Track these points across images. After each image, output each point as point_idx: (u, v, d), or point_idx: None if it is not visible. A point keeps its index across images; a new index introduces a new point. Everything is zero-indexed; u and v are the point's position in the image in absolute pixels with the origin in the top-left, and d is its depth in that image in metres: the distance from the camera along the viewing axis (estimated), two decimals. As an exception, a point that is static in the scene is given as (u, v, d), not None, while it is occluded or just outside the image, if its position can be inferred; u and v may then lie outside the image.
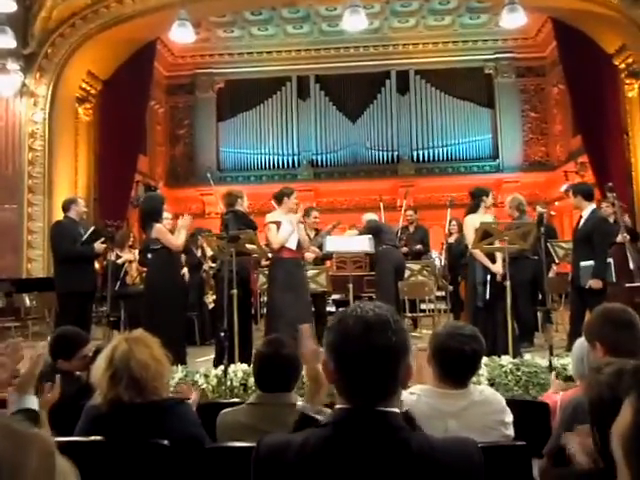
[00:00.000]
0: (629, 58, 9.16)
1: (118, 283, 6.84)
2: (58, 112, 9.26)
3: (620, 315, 2.17)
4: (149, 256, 5.36)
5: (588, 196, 5.53)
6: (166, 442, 1.88)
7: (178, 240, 5.22)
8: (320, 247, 7.01)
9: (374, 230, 6.79)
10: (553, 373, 3.41)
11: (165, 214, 7.12)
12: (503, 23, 8.00)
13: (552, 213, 7.96)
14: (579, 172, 10.88)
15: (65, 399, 2.24)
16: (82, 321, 5.57)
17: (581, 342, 2.45)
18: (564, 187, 9.94)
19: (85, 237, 5.70)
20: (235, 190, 5.74)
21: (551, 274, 7.03)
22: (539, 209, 7.13)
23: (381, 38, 13.01)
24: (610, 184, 7.26)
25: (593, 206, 5.53)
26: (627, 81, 9.30)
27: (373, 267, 7.38)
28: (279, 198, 5.60)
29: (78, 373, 2.89)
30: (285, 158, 13.34)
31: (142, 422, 1.94)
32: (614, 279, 5.48)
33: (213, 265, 7.09)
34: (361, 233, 6.84)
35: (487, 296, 5.29)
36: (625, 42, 9.12)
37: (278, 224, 5.44)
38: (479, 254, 5.31)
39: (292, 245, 5.46)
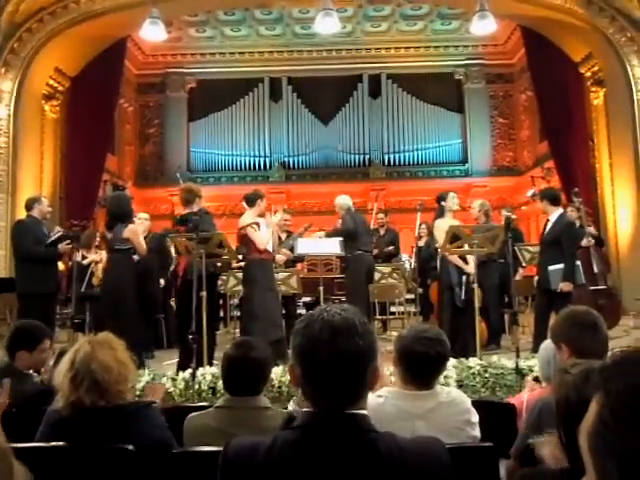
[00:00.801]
0: (595, 66, 9.38)
1: (83, 284, 6.71)
2: (24, 109, 9.04)
3: (585, 317, 2.21)
4: (114, 255, 5.31)
5: (554, 201, 5.64)
6: (131, 447, 1.84)
7: (144, 245, 5.25)
8: (291, 249, 7.00)
9: (348, 234, 6.55)
10: (530, 376, 3.42)
11: (142, 214, 7.04)
12: (473, 30, 8.10)
13: (513, 217, 8.08)
14: (545, 177, 11.11)
15: (24, 402, 2.18)
16: (45, 323, 5.43)
17: (547, 344, 2.49)
18: (530, 192, 10.12)
19: (51, 241, 5.58)
20: (196, 187, 5.65)
21: (517, 277, 7.14)
22: (504, 213, 7.24)
23: (354, 42, 13.07)
24: (576, 189, 7.44)
25: (560, 210, 5.64)
26: (593, 89, 9.52)
27: (344, 270, 7.33)
28: (252, 200, 5.57)
29: (35, 376, 2.81)
30: (257, 159, 13.28)
31: (106, 426, 1.89)
32: (584, 280, 5.61)
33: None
34: (334, 233, 6.67)
35: (463, 296, 5.41)
36: (591, 51, 9.33)
37: (258, 225, 5.42)
38: (453, 256, 5.41)
39: (270, 247, 5.46)
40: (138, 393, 3.12)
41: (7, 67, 8.87)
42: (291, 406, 1.58)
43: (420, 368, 2.02)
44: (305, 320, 1.28)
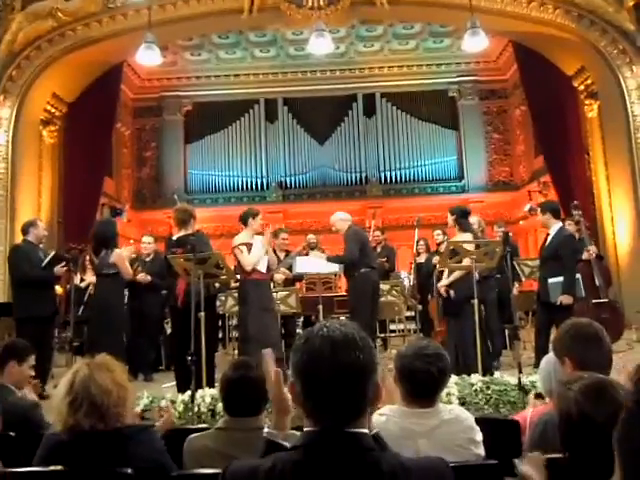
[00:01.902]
0: (588, 79, 9.45)
1: (81, 308, 6.68)
2: (22, 134, 9.10)
3: (587, 330, 2.19)
4: (102, 280, 5.37)
5: (556, 214, 5.66)
6: (130, 470, 1.81)
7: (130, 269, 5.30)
8: (290, 268, 6.98)
9: (351, 262, 6.21)
10: (532, 393, 3.39)
11: (147, 238, 7.02)
12: (465, 47, 8.16)
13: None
14: (542, 191, 11.13)
15: (16, 419, 2.18)
16: (42, 346, 5.41)
17: (548, 358, 2.47)
18: (527, 207, 10.13)
19: (45, 262, 5.57)
20: (190, 208, 5.65)
21: (514, 291, 7.11)
22: (497, 228, 7.23)
23: (347, 62, 13.20)
24: (575, 202, 7.45)
25: (560, 224, 5.64)
26: (586, 102, 9.58)
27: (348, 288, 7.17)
28: (244, 219, 5.59)
29: (19, 394, 2.82)
30: (254, 180, 13.33)
31: (104, 450, 1.86)
32: (583, 294, 5.58)
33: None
34: (336, 260, 6.37)
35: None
36: (583, 64, 9.42)
37: (249, 246, 5.40)
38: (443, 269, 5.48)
39: (262, 267, 5.40)
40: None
41: (5, 94, 8.95)
42: (266, 430, 1.53)
43: (422, 386, 2.00)
44: (305, 336, 1.26)
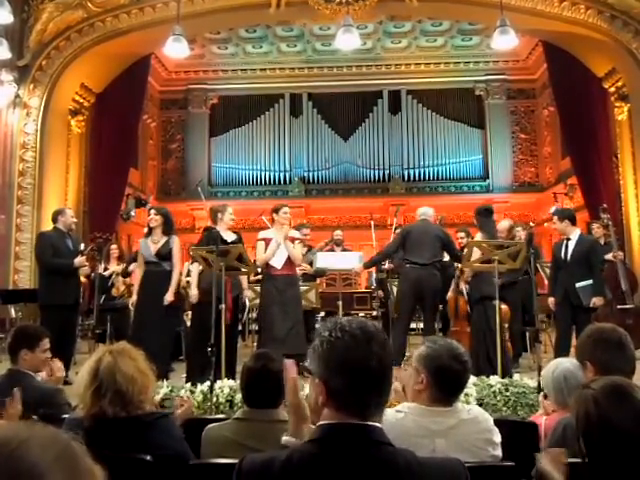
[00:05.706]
0: (619, 81, 9.28)
1: (104, 296, 6.77)
2: (50, 124, 9.24)
3: (610, 335, 2.17)
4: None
5: (574, 220, 5.77)
6: (149, 457, 1.83)
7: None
8: (311, 264, 7.00)
9: (385, 256, 6.32)
10: (541, 394, 3.35)
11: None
12: (494, 45, 8.05)
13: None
14: (568, 194, 10.98)
15: (36, 403, 2.21)
16: (65, 333, 5.52)
17: (557, 364, 2.41)
18: (553, 209, 9.99)
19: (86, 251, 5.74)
20: (215, 205, 5.73)
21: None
22: (520, 229, 7.16)
23: (374, 58, 13.14)
24: (604, 205, 7.37)
25: (579, 230, 5.75)
26: (617, 104, 9.40)
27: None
28: (272, 214, 5.70)
29: (38, 377, 2.85)
30: (277, 174, 13.36)
31: (125, 436, 1.88)
32: (610, 296, 5.77)
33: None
34: (376, 255, 6.40)
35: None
36: (615, 65, 9.24)
37: (267, 241, 5.46)
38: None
39: (276, 263, 5.43)
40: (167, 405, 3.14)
41: (35, 84, 9.10)
42: (284, 438, 1.49)
43: (455, 386, 2.00)
44: (340, 330, 1.24)
